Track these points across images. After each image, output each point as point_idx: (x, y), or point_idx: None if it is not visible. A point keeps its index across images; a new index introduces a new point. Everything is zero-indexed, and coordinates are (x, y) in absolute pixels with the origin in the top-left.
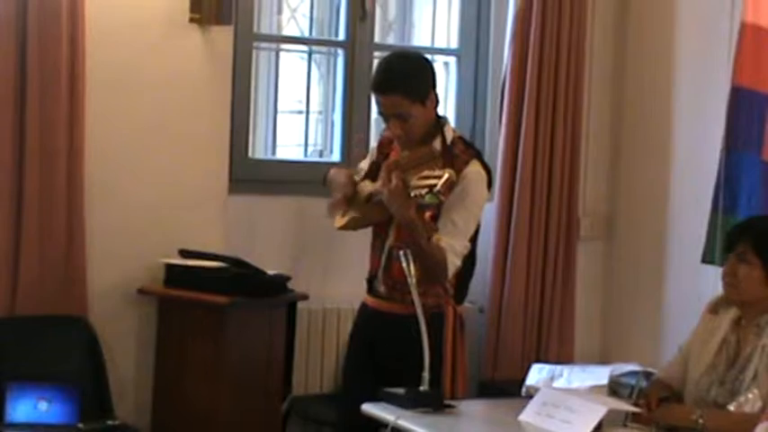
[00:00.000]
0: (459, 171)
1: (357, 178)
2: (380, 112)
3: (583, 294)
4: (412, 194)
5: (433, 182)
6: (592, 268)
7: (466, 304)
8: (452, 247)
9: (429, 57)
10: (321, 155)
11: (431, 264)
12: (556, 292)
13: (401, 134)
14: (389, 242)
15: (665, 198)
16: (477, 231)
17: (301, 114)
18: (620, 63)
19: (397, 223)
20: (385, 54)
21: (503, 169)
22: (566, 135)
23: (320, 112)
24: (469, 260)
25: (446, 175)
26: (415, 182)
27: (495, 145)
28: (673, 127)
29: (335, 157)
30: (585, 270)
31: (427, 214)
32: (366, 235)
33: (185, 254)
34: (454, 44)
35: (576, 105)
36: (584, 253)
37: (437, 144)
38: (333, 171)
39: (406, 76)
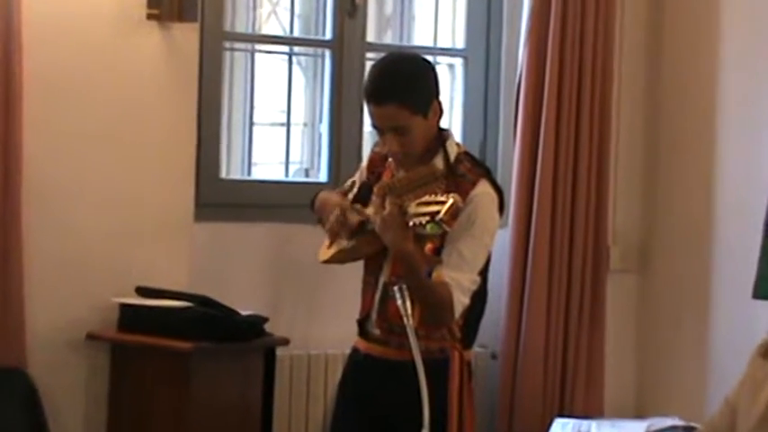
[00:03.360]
0: (465, 193)
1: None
2: (374, 125)
3: (613, 336)
4: (410, 223)
5: (435, 208)
6: (624, 305)
7: (475, 349)
8: (459, 282)
9: (431, 59)
10: (306, 174)
11: (434, 302)
12: (582, 333)
13: (398, 151)
14: (384, 277)
15: (710, 223)
16: (487, 263)
17: (282, 127)
18: (654, 65)
19: (392, 255)
20: (380, 55)
21: (518, 190)
22: (591, 150)
23: (304, 124)
24: (479, 297)
25: (450, 201)
26: (413, 209)
27: (509, 162)
28: (718, 140)
29: (322, 176)
30: (616, 308)
31: (428, 246)
32: (358, 269)
33: (143, 292)
34: (460, 44)
35: (604, 115)
36: (614, 288)
37: (439, 162)
38: (322, 195)
39: (406, 82)
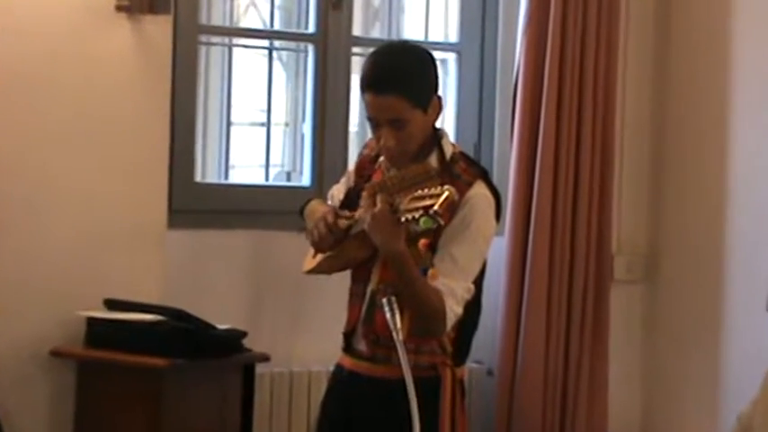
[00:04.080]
0: (460, 195)
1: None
2: (370, 117)
3: (618, 352)
4: (402, 219)
5: (429, 202)
6: (629, 319)
7: (469, 365)
8: (452, 290)
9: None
10: (288, 177)
11: (424, 311)
12: (584, 349)
13: (394, 146)
14: (372, 286)
15: (722, 230)
16: (482, 271)
17: (262, 127)
18: (662, 60)
19: (381, 261)
20: (367, 51)
21: (515, 195)
22: (594, 151)
23: (286, 124)
24: (473, 308)
25: (446, 194)
26: (405, 204)
27: (505, 165)
28: (730, 141)
29: (305, 180)
30: (621, 321)
31: (422, 242)
32: (344, 280)
33: (112, 305)
34: (453, 37)
35: (608, 114)
36: (619, 300)
37: (433, 161)
38: (314, 203)
39: (409, 73)
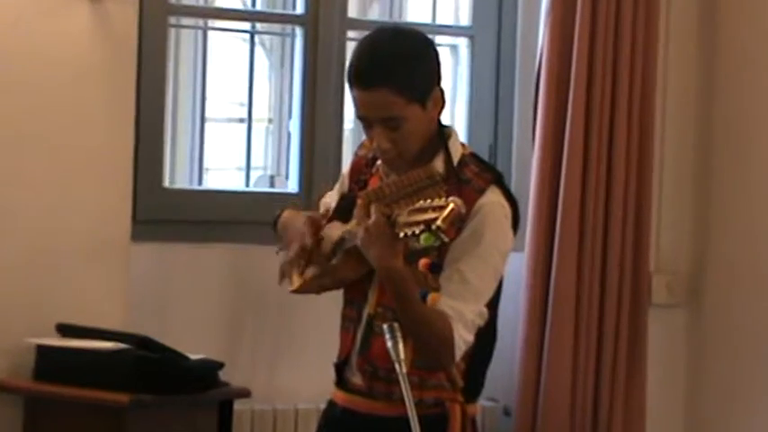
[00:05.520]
0: (471, 203)
1: (323, 222)
2: (360, 116)
3: (657, 388)
4: (400, 234)
5: (430, 215)
6: (670, 349)
7: (482, 402)
8: (461, 314)
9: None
10: (272, 182)
11: (429, 340)
12: (617, 383)
13: (390, 149)
14: (369, 309)
15: None
16: (497, 292)
17: (242, 123)
18: (708, 43)
19: (378, 281)
20: (364, 35)
21: (536, 204)
22: (630, 154)
23: (270, 120)
24: (487, 335)
25: (450, 206)
26: (404, 217)
27: (526, 169)
28: None
29: (292, 185)
30: (661, 352)
31: (422, 261)
32: (336, 300)
33: (66, 330)
34: (465, 20)
35: (645, 110)
36: (658, 327)
37: (438, 164)
38: (287, 214)
39: (402, 63)
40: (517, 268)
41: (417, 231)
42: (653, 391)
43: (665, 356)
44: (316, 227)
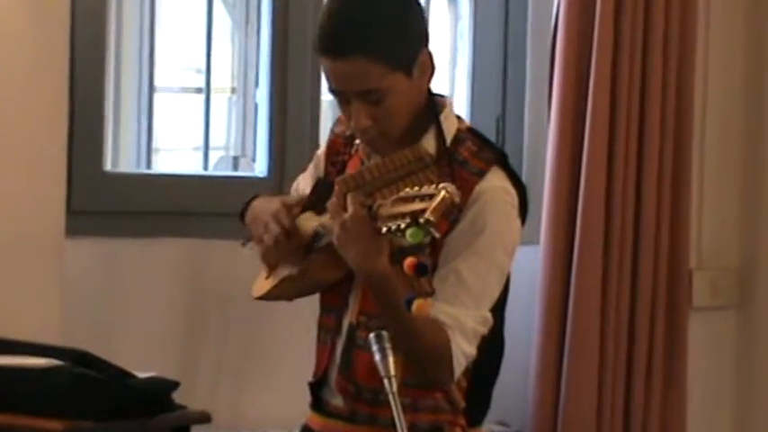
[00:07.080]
0: (468, 189)
1: (297, 210)
2: (333, 90)
3: (701, 405)
4: (383, 229)
5: (418, 206)
6: (715, 356)
7: (488, 426)
8: (459, 322)
9: None
10: (235, 165)
11: (422, 355)
12: (652, 401)
13: (370, 127)
14: (350, 317)
15: None
16: (504, 295)
17: (199, 94)
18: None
19: (361, 284)
20: None
21: (553, 189)
22: (665, 129)
23: (232, 90)
24: (492, 346)
25: (441, 195)
26: (387, 209)
27: (540, 148)
28: None
29: (260, 167)
30: (704, 363)
31: (408, 262)
32: (311, 306)
33: None
34: None
35: (683, 74)
36: (700, 332)
37: (429, 143)
38: (258, 203)
39: (380, 24)
40: (530, 265)
41: (402, 225)
42: (695, 410)
43: (710, 369)
44: (292, 214)
